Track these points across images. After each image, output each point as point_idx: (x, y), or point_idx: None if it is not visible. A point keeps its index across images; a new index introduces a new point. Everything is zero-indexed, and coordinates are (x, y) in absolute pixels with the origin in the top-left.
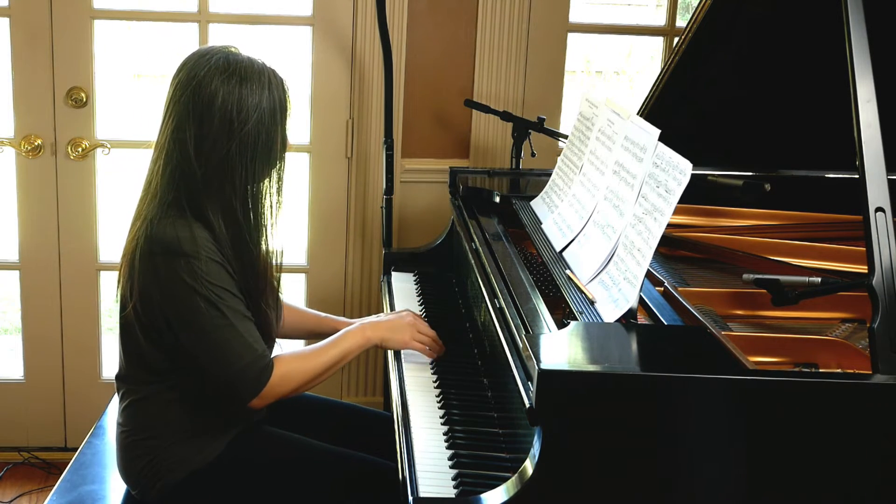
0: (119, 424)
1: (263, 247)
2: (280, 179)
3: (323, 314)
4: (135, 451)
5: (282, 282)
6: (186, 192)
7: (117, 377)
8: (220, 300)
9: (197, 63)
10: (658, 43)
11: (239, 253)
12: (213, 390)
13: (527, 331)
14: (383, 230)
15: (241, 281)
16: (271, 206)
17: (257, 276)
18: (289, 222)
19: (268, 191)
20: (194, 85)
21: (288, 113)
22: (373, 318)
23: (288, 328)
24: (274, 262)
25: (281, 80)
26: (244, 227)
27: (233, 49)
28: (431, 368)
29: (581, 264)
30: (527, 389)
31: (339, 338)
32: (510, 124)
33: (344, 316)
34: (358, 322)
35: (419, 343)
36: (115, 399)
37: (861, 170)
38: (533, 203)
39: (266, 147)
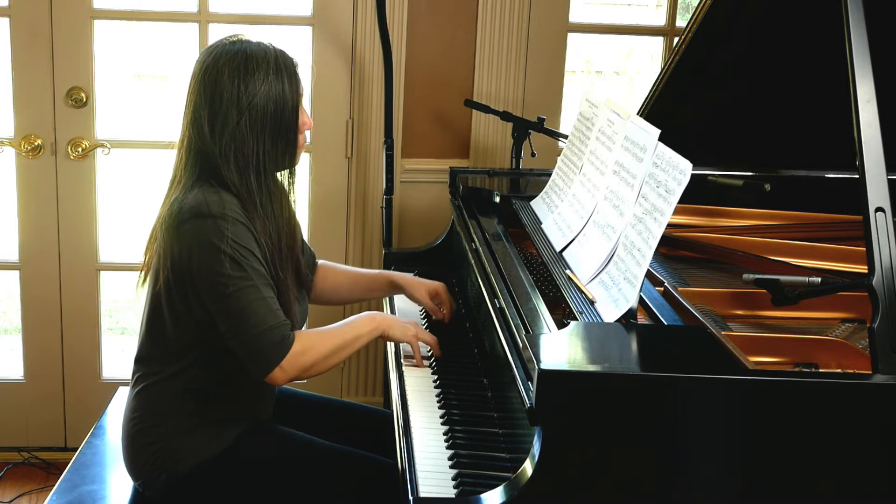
0: (130, 411)
1: (280, 224)
2: (292, 159)
3: (374, 271)
4: (142, 439)
5: (311, 252)
6: (209, 168)
7: (136, 359)
8: (245, 261)
9: (205, 55)
10: (658, 43)
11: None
12: (239, 361)
13: (527, 331)
14: (383, 230)
15: (274, 259)
16: (286, 185)
17: (276, 248)
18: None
19: (284, 173)
20: (203, 71)
21: (298, 88)
22: (381, 312)
23: (344, 291)
24: (295, 241)
25: (290, 58)
26: (261, 199)
27: (240, 36)
28: (431, 368)
29: (581, 264)
30: (527, 389)
31: (351, 321)
32: (510, 124)
33: (345, 315)
34: (365, 313)
35: (419, 341)
36: (116, 398)
37: (861, 170)
38: (533, 203)
39: (275, 120)
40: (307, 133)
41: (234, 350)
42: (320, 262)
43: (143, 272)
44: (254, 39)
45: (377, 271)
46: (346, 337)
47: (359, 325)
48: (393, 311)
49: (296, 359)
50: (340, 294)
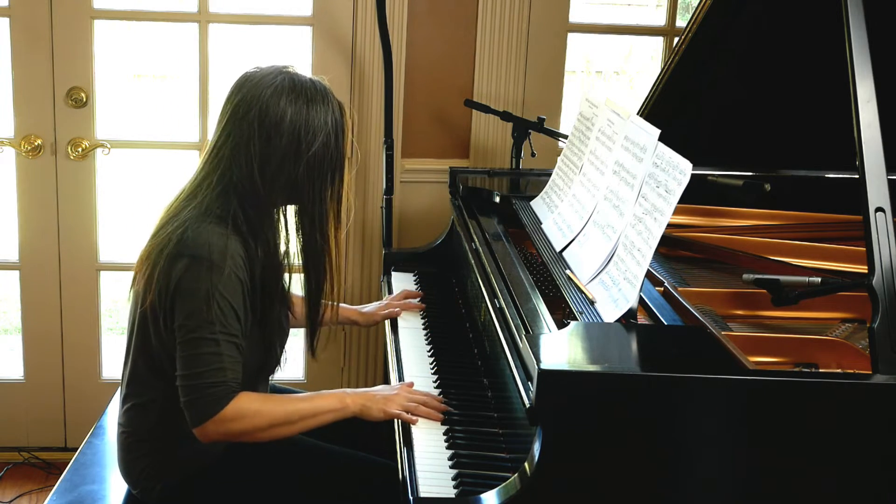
0: (120, 425)
1: (330, 258)
2: (340, 197)
3: (301, 397)
4: (135, 452)
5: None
6: (241, 207)
7: (123, 379)
8: (221, 315)
9: (262, 81)
10: (658, 43)
11: (279, 271)
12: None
13: (527, 331)
14: (383, 230)
15: (265, 299)
16: (335, 221)
17: (277, 285)
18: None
19: (332, 209)
20: (262, 104)
21: (348, 133)
22: (358, 389)
23: (300, 315)
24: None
25: (339, 102)
26: (309, 241)
27: (292, 69)
28: (431, 369)
29: (581, 264)
30: (527, 389)
31: (314, 394)
32: (510, 124)
33: None
34: (338, 391)
35: (405, 410)
36: (116, 398)
37: (861, 170)
38: (533, 203)
39: (331, 167)
40: None
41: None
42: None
43: (134, 283)
44: (305, 75)
45: (333, 305)
46: (300, 408)
47: (322, 399)
48: (391, 292)
49: (223, 424)
50: (299, 320)
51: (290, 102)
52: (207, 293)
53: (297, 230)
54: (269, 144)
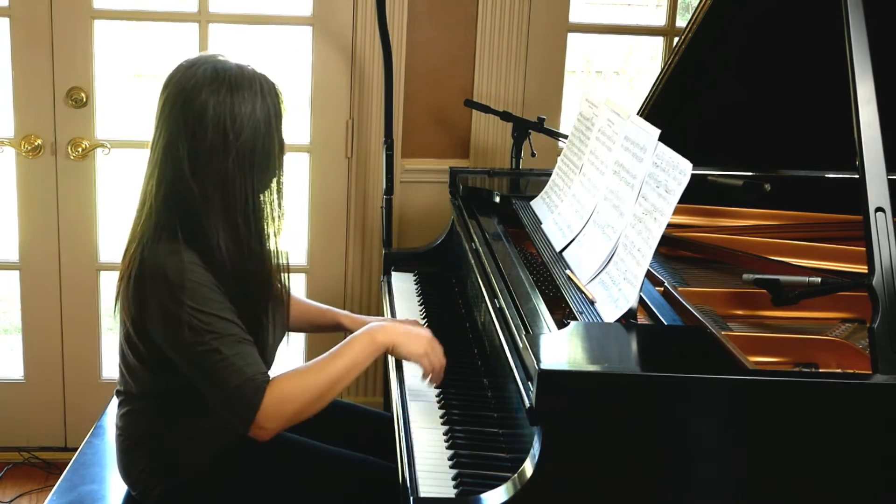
0: (117, 428)
1: (271, 257)
2: (280, 186)
3: (325, 306)
4: (134, 454)
5: (289, 282)
6: (181, 212)
7: (117, 389)
8: (204, 325)
9: (184, 75)
10: (658, 43)
11: (242, 267)
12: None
13: (527, 331)
14: (383, 230)
15: (241, 297)
16: (274, 215)
17: (262, 287)
18: (289, 222)
19: (269, 200)
20: (183, 98)
21: (283, 118)
22: (382, 320)
23: (293, 323)
24: (280, 271)
25: (273, 85)
26: (248, 239)
27: (220, 57)
28: None
29: (581, 264)
30: (527, 389)
31: (345, 346)
32: (510, 124)
33: None
34: (365, 327)
35: (429, 362)
36: (115, 400)
37: (861, 170)
38: (533, 203)
39: (264, 156)
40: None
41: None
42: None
43: (116, 305)
44: (232, 61)
45: (325, 308)
46: (338, 367)
47: (354, 349)
48: (391, 292)
49: (270, 414)
50: (290, 326)
51: (213, 92)
52: (178, 314)
53: (236, 226)
54: (195, 139)
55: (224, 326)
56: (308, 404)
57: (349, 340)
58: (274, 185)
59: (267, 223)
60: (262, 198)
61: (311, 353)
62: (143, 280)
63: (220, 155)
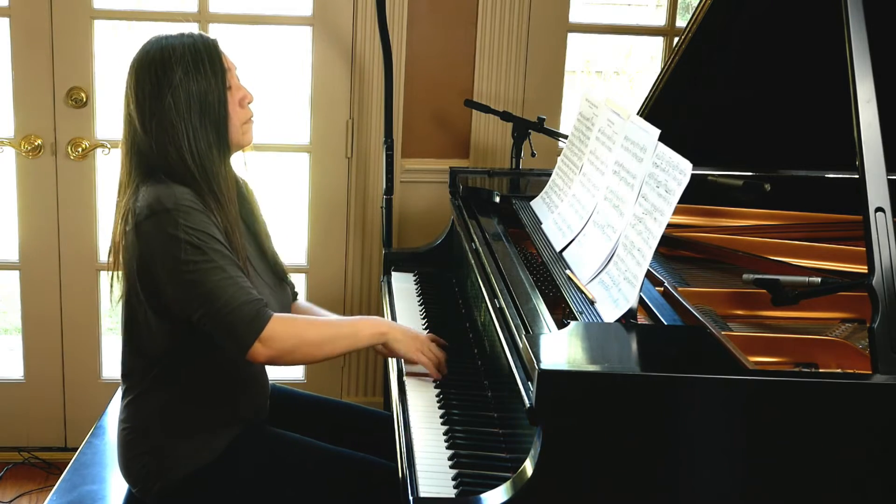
0: (121, 422)
1: (226, 216)
2: (226, 131)
3: (336, 316)
4: (135, 449)
5: (290, 279)
6: (152, 165)
7: (122, 375)
8: (205, 244)
9: (134, 56)
10: (658, 43)
11: (212, 173)
12: (220, 344)
13: (527, 331)
14: (383, 230)
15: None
16: (221, 175)
17: (237, 232)
18: (289, 222)
19: (214, 144)
20: (129, 70)
21: (218, 64)
22: (391, 322)
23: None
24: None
25: (206, 36)
26: (215, 183)
27: (166, 33)
28: None
29: (581, 264)
30: (527, 389)
31: (352, 319)
32: (510, 124)
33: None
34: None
35: (426, 357)
36: (116, 398)
37: (861, 170)
38: (533, 203)
39: (200, 100)
40: (250, 106)
41: (213, 334)
42: (304, 302)
43: (112, 286)
44: (175, 32)
45: (339, 320)
46: (341, 331)
47: (361, 325)
48: (391, 292)
49: (276, 334)
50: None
51: (147, 49)
52: (179, 235)
53: (189, 178)
54: (137, 94)
55: (221, 248)
56: (305, 344)
57: (359, 317)
58: (221, 140)
59: (217, 180)
60: (210, 152)
61: None
62: (138, 224)
63: (158, 100)
